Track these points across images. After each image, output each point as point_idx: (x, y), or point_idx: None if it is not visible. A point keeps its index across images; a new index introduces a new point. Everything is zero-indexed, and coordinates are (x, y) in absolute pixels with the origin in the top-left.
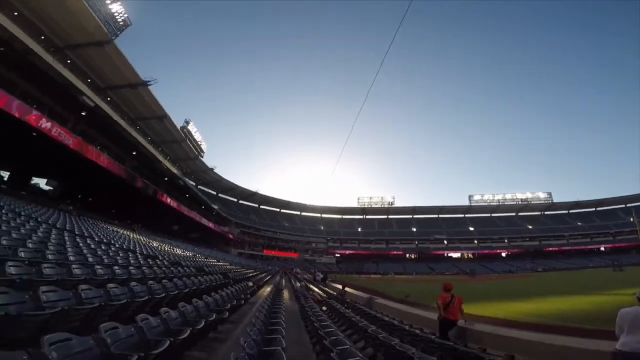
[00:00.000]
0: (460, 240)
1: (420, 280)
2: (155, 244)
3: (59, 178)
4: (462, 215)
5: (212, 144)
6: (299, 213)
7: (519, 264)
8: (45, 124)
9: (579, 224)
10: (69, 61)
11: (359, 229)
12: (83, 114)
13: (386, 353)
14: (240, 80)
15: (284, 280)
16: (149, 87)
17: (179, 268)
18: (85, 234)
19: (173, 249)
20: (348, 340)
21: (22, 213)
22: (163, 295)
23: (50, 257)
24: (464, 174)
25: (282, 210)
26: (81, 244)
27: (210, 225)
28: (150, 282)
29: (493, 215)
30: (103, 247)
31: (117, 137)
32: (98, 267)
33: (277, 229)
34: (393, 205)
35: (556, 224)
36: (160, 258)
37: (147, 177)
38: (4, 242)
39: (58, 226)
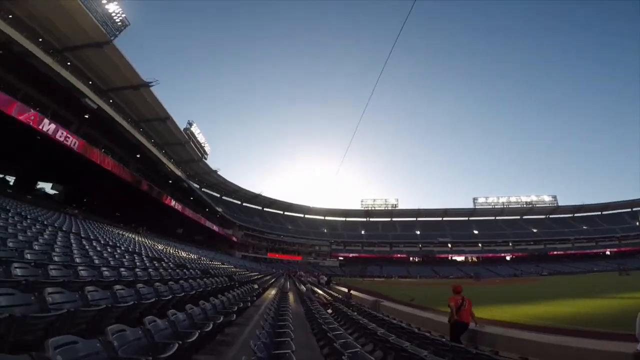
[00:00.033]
0: (465, 244)
1: (424, 283)
2: (160, 246)
3: (64, 182)
4: (466, 218)
5: (214, 146)
6: (302, 215)
7: (524, 268)
8: (49, 126)
9: (584, 227)
10: (69, 63)
11: (363, 232)
12: (86, 116)
13: (397, 356)
14: (242, 81)
15: (288, 283)
16: (151, 88)
17: (185, 270)
18: (91, 237)
19: (178, 252)
20: (356, 343)
21: (29, 216)
22: (170, 297)
23: (56, 258)
24: (468, 176)
25: (285, 213)
26: (87, 247)
27: (215, 228)
28: (157, 283)
29: (498, 218)
30: (109, 250)
31: (121, 139)
32: (104, 269)
33: (281, 232)
34: (397, 208)
35: (561, 228)
36: (166, 260)
37: (151, 179)
38: (10, 244)
39: (64, 229)
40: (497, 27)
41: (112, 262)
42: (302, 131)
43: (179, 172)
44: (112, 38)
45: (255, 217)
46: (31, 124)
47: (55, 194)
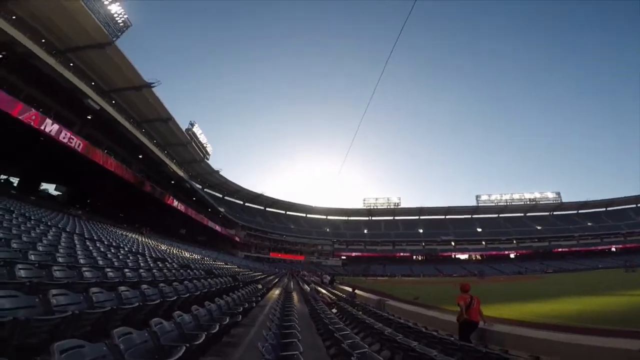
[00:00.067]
0: (468, 242)
1: (427, 282)
2: (163, 247)
3: (67, 183)
4: (469, 216)
5: (215, 146)
6: (304, 215)
7: (528, 265)
8: (51, 127)
9: (588, 224)
10: (71, 64)
11: (365, 231)
12: (89, 117)
13: (405, 356)
14: (243, 81)
15: (292, 283)
16: (153, 89)
17: (189, 271)
18: (95, 238)
19: (181, 252)
20: (363, 343)
21: (32, 217)
22: (174, 298)
23: (60, 260)
24: (470, 174)
25: (287, 213)
26: (91, 247)
27: (217, 228)
28: (161, 284)
29: (501, 215)
30: (112, 251)
31: (123, 140)
32: (108, 270)
33: (283, 232)
34: (399, 207)
35: (565, 225)
36: (170, 261)
37: (154, 180)
38: (14, 245)
39: (68, 230)
40: (497, 27)
41: (116, 263)
42: (302, 131)
43: (181, 173)
44: (114, 39)
45: (258, 217)
46: (34, 125)
47: (58, 195)
